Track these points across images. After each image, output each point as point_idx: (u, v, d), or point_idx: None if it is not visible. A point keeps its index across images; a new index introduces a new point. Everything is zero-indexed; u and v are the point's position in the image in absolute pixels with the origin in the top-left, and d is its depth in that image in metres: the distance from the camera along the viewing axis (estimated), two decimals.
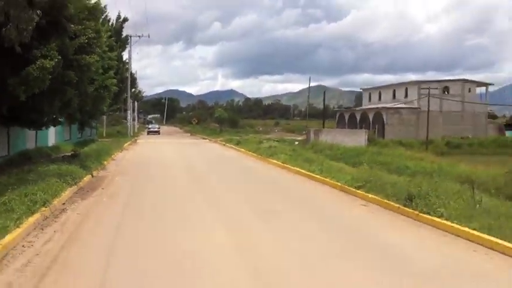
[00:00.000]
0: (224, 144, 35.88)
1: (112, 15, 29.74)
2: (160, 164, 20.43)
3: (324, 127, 55.52)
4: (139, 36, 46.27)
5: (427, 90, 46.91)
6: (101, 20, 15.20)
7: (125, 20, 31.32)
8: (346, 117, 61.05)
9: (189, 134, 59.03)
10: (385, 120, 51.04)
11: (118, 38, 28.35)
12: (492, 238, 7.05)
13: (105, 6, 18.25)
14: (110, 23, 24.38)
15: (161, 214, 9.36)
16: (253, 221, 8.79)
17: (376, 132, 51.03)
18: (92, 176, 14.65)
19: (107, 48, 16.34)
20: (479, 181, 16.03)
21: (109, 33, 16.83)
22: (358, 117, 57.55)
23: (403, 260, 6.39)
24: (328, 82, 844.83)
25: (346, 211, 10.06)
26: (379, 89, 63.52)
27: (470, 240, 7.34)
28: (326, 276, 5.65)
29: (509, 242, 6.79)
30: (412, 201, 9.41)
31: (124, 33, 33.51)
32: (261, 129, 74.41)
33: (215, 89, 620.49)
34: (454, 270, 6.01)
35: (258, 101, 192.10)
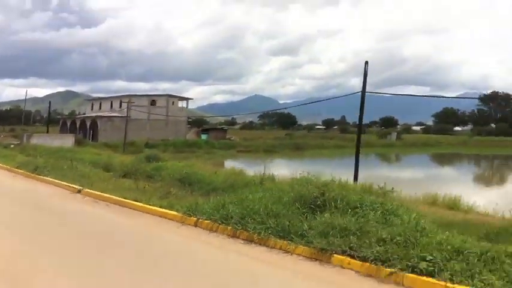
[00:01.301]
0: None
1: None
2: None
3: (47, 132, 60.51)
4: None
5: (139, 101, 57.40)
6: None
7: None
8: (68, 123, 67.11)
9: None
10: (99, 126, 59.17)
11: None
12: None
13: None
14: None
15: None
16: None
17: (91, 136, 58.77)
18: None
19: None
20: (115, 163, 25.21)
21: None
22: (78, 124, 64.28)
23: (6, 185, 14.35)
24: (80, 88, 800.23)
25: (2, 178, 17.55)
26: (100, 100, 71.82)
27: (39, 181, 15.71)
28: None
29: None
30: (36, 170, 17.56)
31: None
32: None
33: None
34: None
35: None
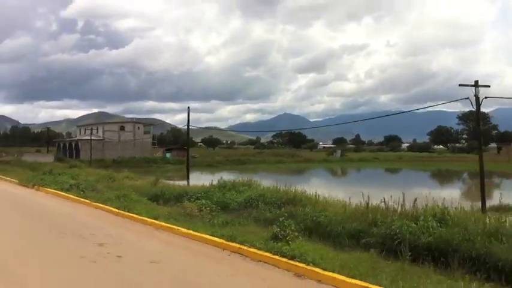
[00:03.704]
0: None
1: None
2: None
3: (48, 152, 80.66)
4: None
5: (110, 127, 77.11)
6: None
7: None
8: (61, 145, 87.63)
9: None
10: (80, 147, 79.01)
11: None
12: None
13: None
14: None
15: None
16: None
17: (75, 155, 78.63)
18: None
19: None
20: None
21: None
22: (67, 146, 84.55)
23: None
24: (112, 109, 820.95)
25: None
26: (85, 126, 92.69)
27: None
28: None
29: None
30: None
31: None
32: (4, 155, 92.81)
33: None
34: None
35: (25, 129, 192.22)
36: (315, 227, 11.91)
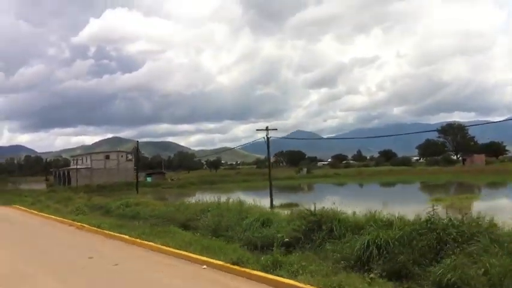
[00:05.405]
0: None
1: None
2: None
3: (47, 180, 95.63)
4: None
5: (97, 157, 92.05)
6: None
7: None
8: (57, 173, 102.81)
9: None
10: (71, 175, 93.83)
11: None
12: None
13: None
14: None
15: None
16: None
17: (67, 182, 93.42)
18: None
19: None
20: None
21: None
22: (62, 174, 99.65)
23: None
24: (126, 133, 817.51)
25: None
26: (77, 157, 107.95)
27: None
28: None
29: None
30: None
31: None
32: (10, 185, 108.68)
33: None
34: None
35: (38, 158, 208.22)
36: (136, 215, 25.69)
